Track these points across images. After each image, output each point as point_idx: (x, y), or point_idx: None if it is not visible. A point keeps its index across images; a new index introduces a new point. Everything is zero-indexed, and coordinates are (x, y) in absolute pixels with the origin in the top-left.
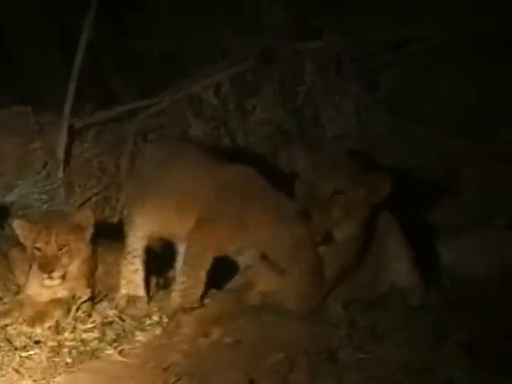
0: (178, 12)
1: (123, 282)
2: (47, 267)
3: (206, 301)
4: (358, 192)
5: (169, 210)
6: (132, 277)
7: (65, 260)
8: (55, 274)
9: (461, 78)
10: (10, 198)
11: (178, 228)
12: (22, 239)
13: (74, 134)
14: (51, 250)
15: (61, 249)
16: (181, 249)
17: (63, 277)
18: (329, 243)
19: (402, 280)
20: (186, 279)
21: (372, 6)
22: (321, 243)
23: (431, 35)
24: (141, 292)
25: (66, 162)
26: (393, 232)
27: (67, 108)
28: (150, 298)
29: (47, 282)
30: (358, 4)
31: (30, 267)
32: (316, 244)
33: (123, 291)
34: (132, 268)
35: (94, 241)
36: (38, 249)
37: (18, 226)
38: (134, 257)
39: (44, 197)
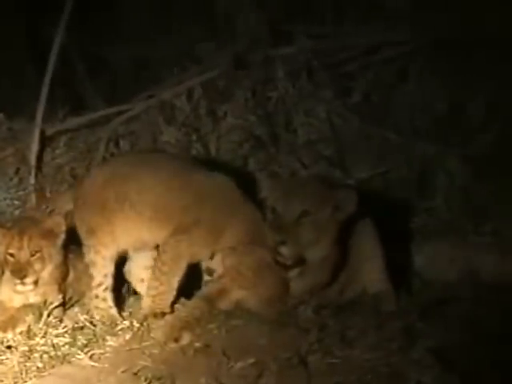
0: (149, 18)
1: (97, 315)
2: (20, 273)
3: (177, 306)
4: (325, 211)
5: (144, 222)
6: (107, 312)
7: (37, 266)
8: (28, 280)
9: (432, 83)
10: None
11: (153, 239)
12: None
13: (45, 141)
14: (24, 255)
15: (33, 255)
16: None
17: (35, 282)
18: (302, 265)
19: (373, 285)
20: (158, 285)
21: (343, 12)
22: (294, 266)
23: (403, 41)
24: (116, 317)
25: (38, 168)
26: (366, 237)
27: (39, 114)
28: (120, 302)
29: (20, 288)
30: (330, 10)
31: (2, 273)
32: (287, 267)
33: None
34: (105, 305)
35: (66, 247)
36: (11, 254)
37: None
38: (106, 289)
39: (16, 202)
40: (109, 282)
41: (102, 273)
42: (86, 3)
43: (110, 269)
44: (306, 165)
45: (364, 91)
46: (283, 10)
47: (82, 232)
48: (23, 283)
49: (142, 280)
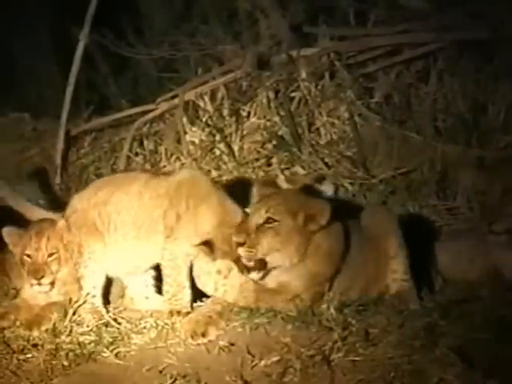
0: (173, 18)
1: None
2: (37, 274)
3: (200, 303)
4: (290, 221)
5: (140, 235)
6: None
7: (54, 266)
8: (44, 281)
9: (454, 84)
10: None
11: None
12: (10, 246)
13: (70, 141)
14: (41, 256)
15: (50, 255)
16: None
17: (52, 283)
18: (262, 270)
19: (396, 284)
20: (169, 288)
21: (366, 13)
22: (254, 268)
23: (424, 42)
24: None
25: (63, 167)
26: (391, 236)
27: (64, 114)
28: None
29: (36, 288)
30: (352, 11)
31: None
32: (248, 268)
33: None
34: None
35: None
36: (28, 255)
37: (6, 234)
38: (94, 296)
39: (41, 202)
40: (97, 291)
41: (90, 284)
42: (109, 4)
43: (100, 280)
44: (328, 164)
45: (386, 92)
46: (306, 10)
47: (72, 250)
48: (40, 284)
49: (147, 298)
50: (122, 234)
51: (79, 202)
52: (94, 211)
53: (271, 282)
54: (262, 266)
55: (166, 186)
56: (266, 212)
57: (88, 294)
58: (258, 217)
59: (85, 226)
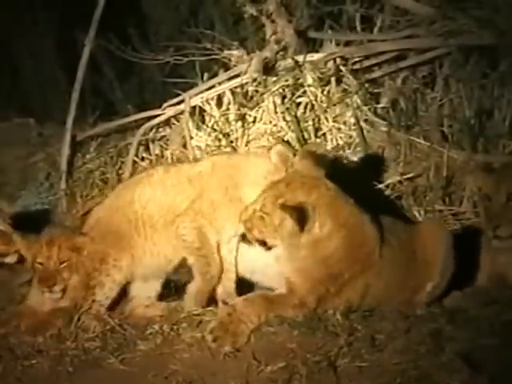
0: (178, 23)
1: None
2: (48, 282)
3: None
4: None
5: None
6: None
7: (65, 274)
8: (56, 288)
9: (461, 89)
10: (13, 208)
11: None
12: (23, 251)
13: (76, 146)
14: (53, 264)
15: (62, 263)
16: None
17: (63, 290)
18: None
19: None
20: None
21: (372, 18)
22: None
23: (430, 47)
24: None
25: (69, 173)
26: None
27: (70, 119)
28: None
29: (47, 296)
30: (358, 16)
31: (32, 277)
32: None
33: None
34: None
35: None
36: (40, 263)
37: (17, 241)
38: (101, 306)
39: (47, 207)
40: (107, 302)
41: (105, 293)
42: (115, 9)
43: (115, 292)
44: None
45: (392, 97)
46: (312, 16)
47: (94, 258)
48: (51, 291)
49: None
50: (151, 227)
51: (101, 211)
52: (118, 215)
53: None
54: (263, 244)
55: (183, 172)
56: (263, 200)
57: (98, 302)
58: (256, 203)
59: (109, 233)
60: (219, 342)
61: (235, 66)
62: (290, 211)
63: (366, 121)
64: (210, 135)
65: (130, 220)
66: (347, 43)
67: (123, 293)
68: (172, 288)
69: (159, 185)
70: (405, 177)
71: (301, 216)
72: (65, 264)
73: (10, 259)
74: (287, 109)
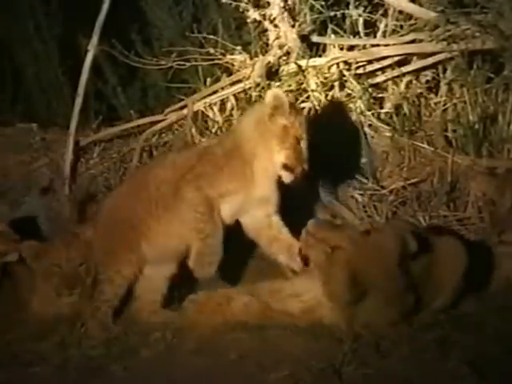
0: (181, 28)
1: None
2: (70, 284)
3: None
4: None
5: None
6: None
7: (84, 276)
8: (76, 290)
9: (464, 94)
10: (16, 214)
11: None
12: (28, 260)
13: (79, 151)
14: (72, 266)
15: (80, 265)
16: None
17: (81, 293)
18: None
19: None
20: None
21: (375, 23)
22: None
23: (434, 52)
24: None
25: (72, 178)
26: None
27: (73, 125)
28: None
29: (66, 299)
30: (362, 21)
31: (35, 284)
32: None
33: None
34: (103, 318)
35: None
36: (58, 266)
37: (25, 248)
38: (110, 306)
39: (50, 214)
40: (116, 302)
41: (114, 291)
42: (118, 14)
43: (123, 290)
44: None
45: (396, 102)
46: (315, 20)
47: (100, 256)
48: (71, 294)
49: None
50: (164, 207)
51: (111, 201)
52: (129, 202)
53: None
54: None
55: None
56: None
57: (106, 301)
58: None
59: (121, 222)
60: None
61: (238, 70)
62: None
63: (369, 126)
64: None
65: (143, 204)
66: (350, 48)
67: (125, 300)
68: (175, 297)
69: (170, 164)
70: (409, 182)
71: None
72: (83, 266)
73: (11, 258)
74: None
